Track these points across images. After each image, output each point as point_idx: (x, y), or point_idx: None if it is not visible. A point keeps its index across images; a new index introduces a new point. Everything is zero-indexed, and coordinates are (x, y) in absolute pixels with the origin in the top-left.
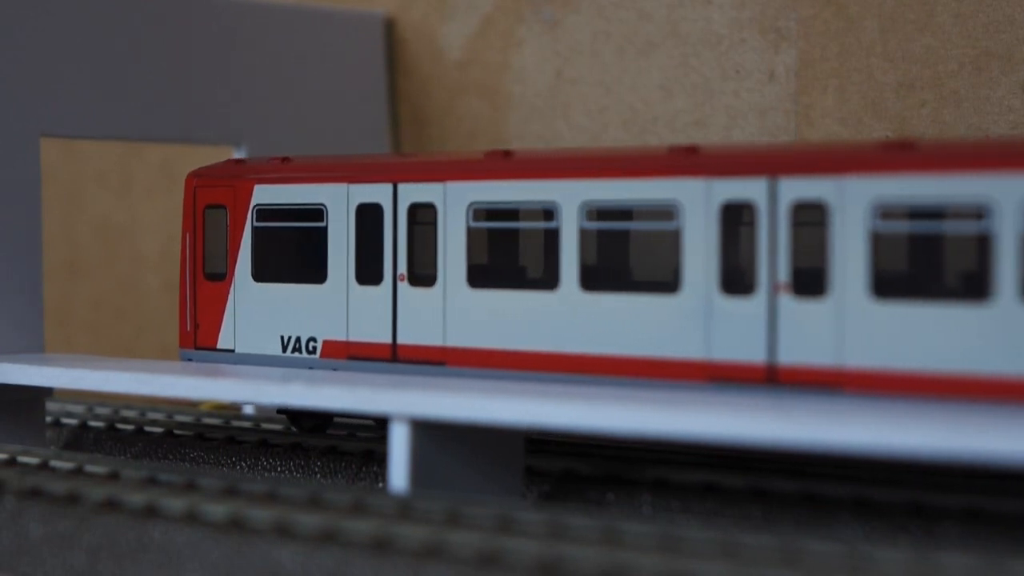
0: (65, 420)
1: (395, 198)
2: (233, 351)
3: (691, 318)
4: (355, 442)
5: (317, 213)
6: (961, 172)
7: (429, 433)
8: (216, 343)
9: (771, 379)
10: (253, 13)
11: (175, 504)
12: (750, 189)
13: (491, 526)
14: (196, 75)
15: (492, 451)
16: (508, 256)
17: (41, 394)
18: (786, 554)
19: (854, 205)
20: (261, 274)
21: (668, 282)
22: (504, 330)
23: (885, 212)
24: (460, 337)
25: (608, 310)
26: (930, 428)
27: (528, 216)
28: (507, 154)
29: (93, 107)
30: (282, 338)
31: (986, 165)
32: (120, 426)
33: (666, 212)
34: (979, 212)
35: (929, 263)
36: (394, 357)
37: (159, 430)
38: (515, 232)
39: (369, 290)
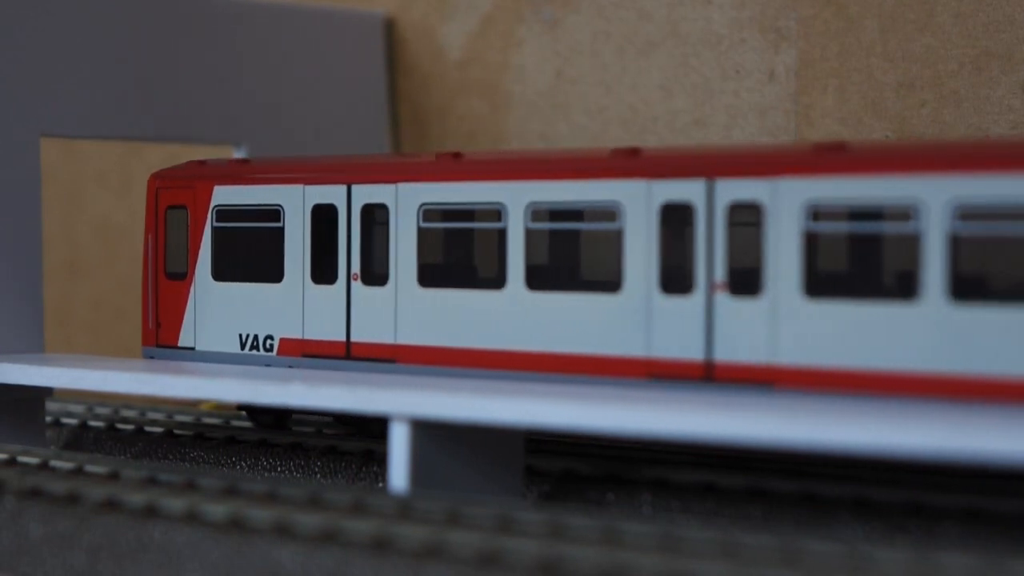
0: (65, 420)
1: (349, 199)
2: (194, 349)
3: (632, 317)
4: (355, 442)
5: (274, 214)
6: (890, 174)
7: (429, 433)
8: (177, 341)
9: (708, 376)
10: (253, 13)
11: (175, 504)
12: (688, 190)
13: (491, 526)
14: (196, 75)
15: (492, 451)
16: (458, 256)
17: (41, 394)
18: (786, 554)
19: (788, 206)
20: (220, 273)
21: (610, 281)
22: (453, 328)
23: (817, 213)
24: (410, 335)
25: (553, 309)
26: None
27: (477, 217)
28: (457, 156)
29: (93, 107)
30: (240, 336)
31: (914, 167)
32: (120, 426)
33: (609, 213)
34: (907, 213)
35: (860, 263)
36: (348, 355)
37: (159, 430)
38: (464, 232)
39: (324, 289)
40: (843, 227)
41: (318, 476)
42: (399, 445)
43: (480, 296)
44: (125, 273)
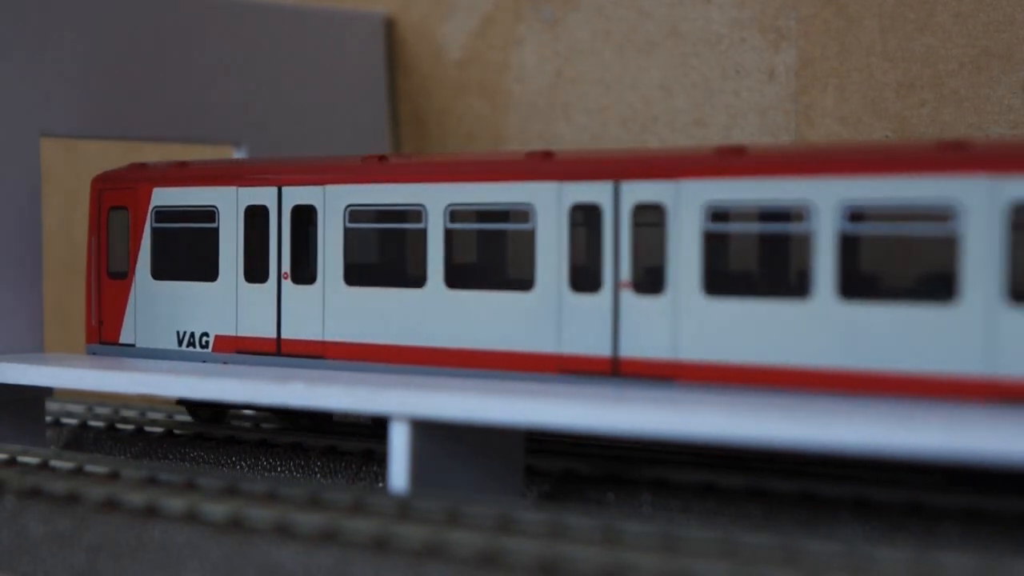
0: (65, 420)
1: (279, 200)
2: (134, 345)
3: (544, 314)
4: (355, 442)
5: (209, 215)
6: (784, 176)
7: (429, 433)
8: (118, 338)
9: (615, 371)
10: (253, 13)
11: (175, 504)
12: (596, 192)
13: (491, 526)
14: (196, 75)
15: (492, 451)
16: (382, 255)
17: (41, 394)
18: (786, 554)
19: (689, 207)
20: (159, 272)
21: (524, 280)
22: (377, 325)
23: (716, 213)
24: (337, 332)
25: (470, 306)
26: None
27: (400, 218)
28: (382, 159)
29: (93, 107)
30: (178, 333)
31: (806, 170)
32: (120, 426)
33: (522, 214)
34: (801, 213)
35: (756, 262)
36: (278, 351)
37: (159, 430)
38: (388, 232)
39: (256, 287)
40: (741, 227)
41: (318, 476)
42: (399, 445)
43: (403, 294)
44: None
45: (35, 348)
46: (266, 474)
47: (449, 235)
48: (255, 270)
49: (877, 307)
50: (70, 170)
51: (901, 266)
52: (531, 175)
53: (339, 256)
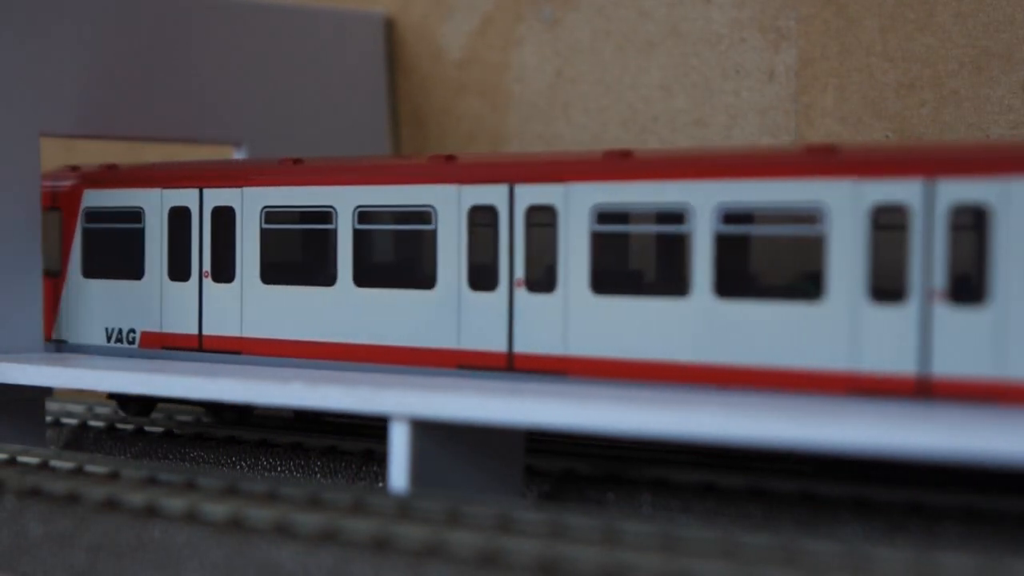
0: (65, 420)
1: (200, 202)
2: (66, 342)
3: (444, 311)
4: (355, 442)
5: (135, 215)
6: (665, 179)
7: (429, 433)
8: (51, 335)
9: (509, 366)
10: (253, 13)
11: (175, 504)
12: (492, 194)
13: (491, 526)
14: (196, 75)
15: (492, 451)
16: (296, 255)
17: (41, 394)
18: (786, 554)
19: (577, 209)
20: (89, 271)
21: (426, 279)
22: (291, 322)
23: (603, 215)
24: (254, 329)
25: (376, 304)
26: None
27: (312, 219)
28: (296, 162)
29: (93, 107)
30: (106, 330)
31: (685, 174)
32: (120, 426)
33: (424, 215)
34: (680, 215)
35: (640, 262)
36: (200, 347)
37: (159, 430)
38: (301, 233)
39: (179, 286)
40: (626, 228)
41: (318, 476)
42: (399, 445)
43: (314, 292)
44: None
45: (35, 348)
46: (266, 474)
47: (357, 235)
48: (178, 269)
49: (750, 305)
50: None
51: (773, 266)
52: (433, 178)
53: (256, 256)
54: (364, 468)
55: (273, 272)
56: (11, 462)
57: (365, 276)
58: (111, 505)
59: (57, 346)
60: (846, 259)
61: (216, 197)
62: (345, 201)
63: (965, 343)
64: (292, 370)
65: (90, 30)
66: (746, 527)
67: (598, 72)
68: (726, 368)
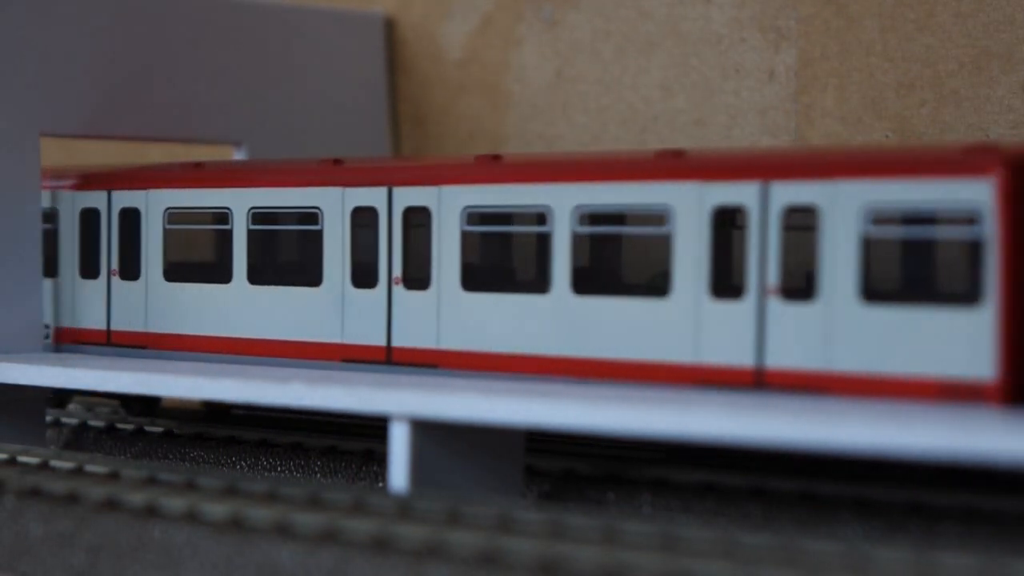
0: (65, 420)
1: (109, 203)
2: None
3: (329, 308)
4: (355, 442)
5: (51, 216)
6: (528, 183)
7: (429, 433)
8: None
9: (388, 360)
10: (253, 13)
11: (175, 504)
12: (373, 196)
13: (491, 526)
14: (196, 75)
15: (492, 451)
16: (196, 254)
17: (41, 394)
18: (786, 554)
19: (449, 210)
20: None
21: (313, 276)
22: (191, 318)
23: (472, 216)
24: (158, 324)
25: (268, 301)
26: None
27: (210, 219)
28: (198, 165)
29: (93, 107)
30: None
31: (546, 177)
32: (120, 426)
33: (312, 216)
34: (542, 217)
35: (506, 260)
36: (108, 341)
37: (159, 430)
38: (201, 233)
39: (90, 283)
40: (493, 229)
41: (318, 476)
42: (399, 445)
43: (212, 290)
44: None
45: (35, 348)
46: (266, 474)
47: (251, 235)
48: (89, 267)
49: (604, 301)
50: None
51: (625, 264)
52: (319, 181)
53: (159, 255)
54: (364, 468)
55: (176, 271)
56: (11, 462)
57: (258, 274)
58: (111, 505)
59: None
60: (690, 258)
61: (124, 199)
62: (240, 203)
63: (796, 337)
64: (291, 370)
65: (90, 30)
66: (746, 527)
67: (598, 72)
68: (583, 361)
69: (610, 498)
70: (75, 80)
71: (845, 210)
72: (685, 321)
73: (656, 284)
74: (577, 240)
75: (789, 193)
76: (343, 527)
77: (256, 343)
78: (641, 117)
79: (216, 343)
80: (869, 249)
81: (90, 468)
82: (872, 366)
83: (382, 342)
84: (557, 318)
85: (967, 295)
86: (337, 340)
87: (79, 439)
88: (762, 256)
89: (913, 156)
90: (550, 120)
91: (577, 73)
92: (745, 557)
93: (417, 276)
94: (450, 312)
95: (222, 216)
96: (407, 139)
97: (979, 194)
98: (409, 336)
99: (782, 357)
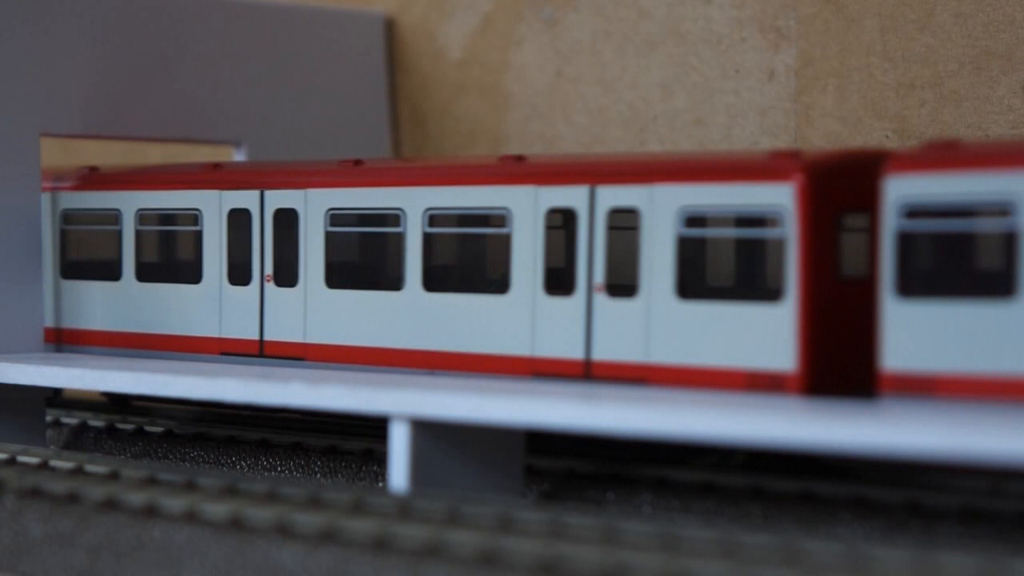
0: (65, 420)
1: (53, 205)
2: None
3: (208, 304)
4: (355, 442)
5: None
6: (384, 186)
7: (429, 433)
8: None
9: (260, 353)
10: (253, 13)
11: (175, 504)
12: (247, 199)
13: (491, 526)
14: (196, 75)
15: (492, 451)
16: (92, 253)
17: (41, 394)
18: (786, 554)
19: (314, 211)
20: None
21: (194, 274)
22: (92, 314)
23: (335, 217)
24: (65, 320)
25: (155, 297)
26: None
27: (101, 220)
28: (94, 169)
29: (93, 106)
30: None
31: (401, 181)
32: (120, 426)
33: (193, 217)
34: (396, 218)
35: (366, 258)
36: (59, 340)
37: (159, 430)
38: (94, 234)
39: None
40: (353, 229)
41: (318, 476)
42: (399, 445)
43: (105, 287)
44: None
45: (35, 348)
46: (266, 474)
47: (138, 236)
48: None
49: (450, 297)
50: None
51: (471, 263)
52: (199, 184)
53: (55, 254)
54: (364, 468)
55: (72, 269)
56: (11, 462)
57: (145, 272)
58: (111, 505)
59: None
60: (527, 257)
61: (65, 200)
62: (128, 204)
63: (619, 331)
64: (290, 370)
65: (90, 30)
66: (746, 527)
67: (598, 72)
68: (432, 353)
69: (610, 498)
70: (75, 80)
71: (662, 212)
72: (522, 317)
73: (497, 282)
74: (427, 240)
75: (614, 196)
76: (343, 527)
77: (143, 337)
78: (641, 117)
79: (112, 338)
80: (684, 249)
81: (90, 468)
82: (687, 358)
83: (255, 336)
84: (410, 314)
85: (770, 292)
86: (215, 334)
87: (79, 439)
88: (590, 255)
89: (725, 162)
90: (550, 120)
91: (577, 73)
92: (745, 557)
93: (286, 274)
94: (315, 308)
95: (112, 217)
96: (407, 139)
97: (780, 198)
98: (280, 330)
99: (607, 350)
